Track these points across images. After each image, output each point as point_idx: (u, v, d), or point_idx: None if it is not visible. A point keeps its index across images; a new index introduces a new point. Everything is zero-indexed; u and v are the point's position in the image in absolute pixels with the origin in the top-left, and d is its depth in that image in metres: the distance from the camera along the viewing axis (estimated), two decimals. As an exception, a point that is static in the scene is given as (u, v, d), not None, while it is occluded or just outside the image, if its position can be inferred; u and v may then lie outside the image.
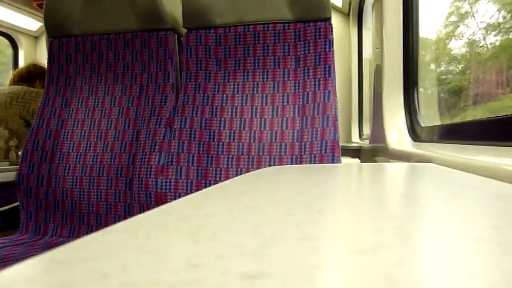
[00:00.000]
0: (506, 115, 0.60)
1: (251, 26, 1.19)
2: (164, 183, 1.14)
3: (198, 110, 1.19)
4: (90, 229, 1.22)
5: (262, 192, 0.32)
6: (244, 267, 0.14)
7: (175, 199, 0.97)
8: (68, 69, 1.35)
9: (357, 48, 2.57)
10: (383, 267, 0.14)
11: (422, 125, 1.05)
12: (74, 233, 1.23)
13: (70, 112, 1.31)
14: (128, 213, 1.19)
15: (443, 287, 0.12)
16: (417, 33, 1.14)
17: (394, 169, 0.58)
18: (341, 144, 1.13)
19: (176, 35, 1.31)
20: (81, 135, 1.28)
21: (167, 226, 0.20)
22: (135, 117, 1.26)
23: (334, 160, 1.07)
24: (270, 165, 1.11)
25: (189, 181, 1.14)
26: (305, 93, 1.13)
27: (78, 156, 1.26)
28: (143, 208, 1.17)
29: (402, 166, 0.63)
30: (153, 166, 1.16)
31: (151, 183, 1.15)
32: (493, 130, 0.63)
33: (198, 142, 1.16)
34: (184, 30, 1.27)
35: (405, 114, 1.13)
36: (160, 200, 1.15)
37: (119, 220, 0.20)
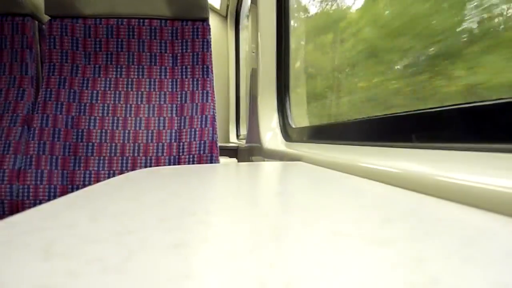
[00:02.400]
0: (361, 118, 0.68)
1: (125, 20, 1.12)
2: (21, 190, 1.00)
3: (63, 107, 1.07)
4: None
5: (133, 196, 0.30)
6: (104, 285, 0.12)
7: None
8: None
9: (234, 51, 2.65)
10: (255, 269, 0.14)
11: (293, 126, 1.13)
12: None
13: None
14: None
15: (312, 287, 0.12)
16: (289, 41, 1.23)
17: (268, 168, 0.61)
18: (219, 144, 1.14)
19: (36, 23, 1.15)
20: None
21: (13, 242, 0.17)
22: None
23: (212, 160, 1.08)
24: (146, 167, 1.06)
25: (52, 186, 1.02)
26: (183, 92, 1.11)
27: None
28: None
29: (275, 165, 0.66)
30: (7, 170, 1.01)
31: (4, 190, 1.00)
32: (352, 131, 0.71)
33: (63, 143, 1.05)
34: (46, 17, 1.13)
35: (278, 116, 1.20)
36: (16, 209, 1.00)
37: None
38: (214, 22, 2.53)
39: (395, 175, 0.35)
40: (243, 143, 1.77)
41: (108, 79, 1.11)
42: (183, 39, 1.13)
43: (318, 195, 0.32)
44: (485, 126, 0.35)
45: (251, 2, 1.35)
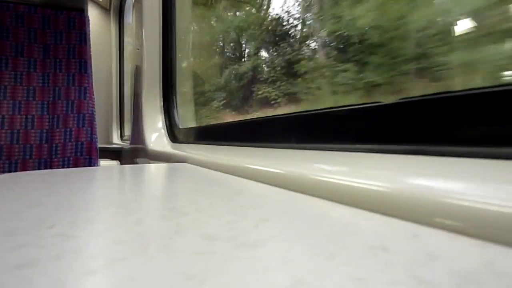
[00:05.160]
0: (246, 119, 0.69)
1: None
2: None
3: None
4: None
5: None
6: None
7: None
8: None
9: (118, 46, 2.49)
10: (112, 285, 0.12)
11: (180, 127, 1.11)
12: None
13: None
14: None
15: None
16: (175, 38, 1.20)
17: (151, 171, 0.58)
18: (100, 145, 1.06)
19: None
20: None
21: None
22: None
23: (91, 163, 1.00)
24: (10, 172, 0.93)
25: None
26: (56, 88, 1.00)
27: None
28: None
29: (160, 167, 0.64)
30: None
31: None
32: (237, 133, 0.72)
33: None
34: None
35: (164, 116, 1.17)
36: None
37: None
38: (94, 14, 2.34)
39: (276, 175, 0.37)
40: (127, 144, 1.68)
41: None
42: (56, 29, 1.02)
43: (198, 198, 0.31)
44: (350, 128, 0.39)
45: None
